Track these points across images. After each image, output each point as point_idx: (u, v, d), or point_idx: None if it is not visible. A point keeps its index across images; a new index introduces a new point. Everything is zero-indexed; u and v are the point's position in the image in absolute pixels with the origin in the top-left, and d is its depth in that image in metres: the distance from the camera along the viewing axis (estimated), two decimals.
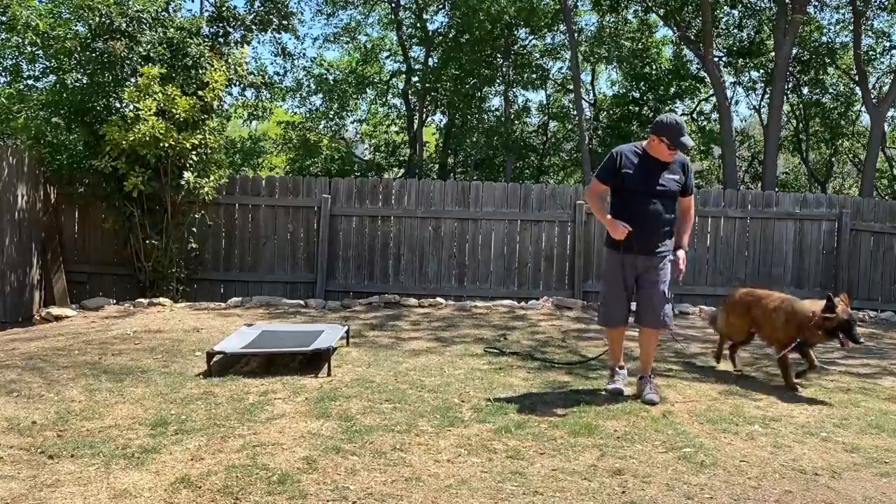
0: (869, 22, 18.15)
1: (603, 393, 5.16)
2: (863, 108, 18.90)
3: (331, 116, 22.49)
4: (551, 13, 19.67)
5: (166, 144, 8.45)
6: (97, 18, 8.78)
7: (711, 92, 18.61)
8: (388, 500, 3.41)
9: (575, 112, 19.33)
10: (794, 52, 17.49)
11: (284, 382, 5.27)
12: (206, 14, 12.06)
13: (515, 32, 20.24)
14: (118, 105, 8.97)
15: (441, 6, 21.43)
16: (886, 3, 16.86)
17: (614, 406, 4.88)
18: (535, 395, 5.10)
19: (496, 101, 22.68)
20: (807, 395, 5.39)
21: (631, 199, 4.91)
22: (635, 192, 4.88)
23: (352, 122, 23.96)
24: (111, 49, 8.66)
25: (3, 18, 9.94)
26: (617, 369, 5.23)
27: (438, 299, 9.22)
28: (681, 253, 5.02)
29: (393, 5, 21.57)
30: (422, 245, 10.17)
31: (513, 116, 21.39)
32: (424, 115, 22.33)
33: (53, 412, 4.55)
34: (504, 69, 20.55)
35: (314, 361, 5.79)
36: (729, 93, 18.91)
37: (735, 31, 19.00)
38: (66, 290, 9.64)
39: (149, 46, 8.97)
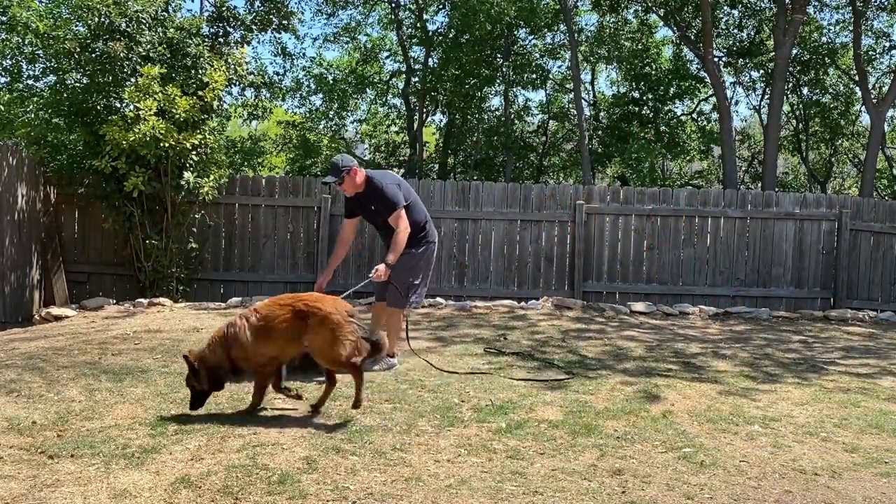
0: (869, 22, 18.14)
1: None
2: (863, 108, 18.89)
3: (331, 116, 22.45)
4: (551, 13, 19.63)
5: (166, 144, 8.45)
6: (97, 19, 8.78)
7: (711, 92, 18.57)
8: (388, 500, 3.41)
9: (575, 112, 19.31)
10: (794, 52, 17.46)
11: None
12: (206, 14, 12.07)
13: (515, 32, 20.19)
14: (118, 105, 8.96)
15: (441, 6, 21.40)
16: (886, 3, 16.86)
17: (614, 406, 4.89)
18: (535, 395, 5.11)
19: (496, 101, 22.66)
20: (807, 394, 5.40)
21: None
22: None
23: (352, 122, 23.93)
24: (111, 49, 8.66)
25: (3, 19, 9.94)
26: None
27: (438, 299, 9.21)
28: (380, 266, 5.49)
29: (393, 5, 21.54)
30: None
31: (513, 116, 21.36)
32: (424, 115, 22.28)
33: (53, 412, 4.55)
34: (504, 69, 20.53)
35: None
36: (729, 93, 18.89)
37: (735, 31, 18.98)
38: (66, 290, 9.64)
39: (149, 46, 8.96)
